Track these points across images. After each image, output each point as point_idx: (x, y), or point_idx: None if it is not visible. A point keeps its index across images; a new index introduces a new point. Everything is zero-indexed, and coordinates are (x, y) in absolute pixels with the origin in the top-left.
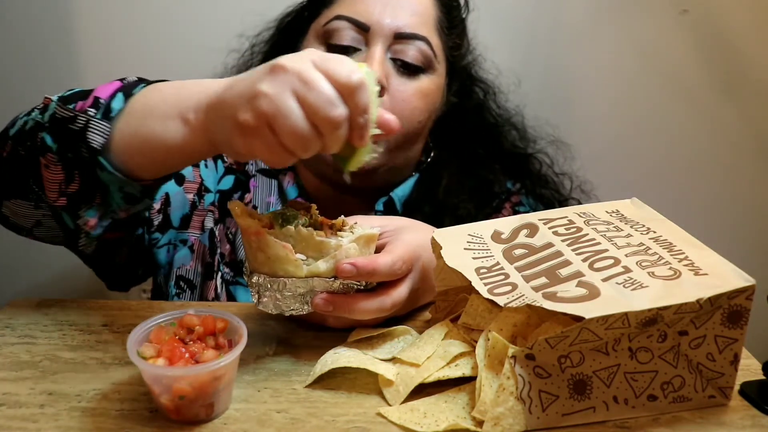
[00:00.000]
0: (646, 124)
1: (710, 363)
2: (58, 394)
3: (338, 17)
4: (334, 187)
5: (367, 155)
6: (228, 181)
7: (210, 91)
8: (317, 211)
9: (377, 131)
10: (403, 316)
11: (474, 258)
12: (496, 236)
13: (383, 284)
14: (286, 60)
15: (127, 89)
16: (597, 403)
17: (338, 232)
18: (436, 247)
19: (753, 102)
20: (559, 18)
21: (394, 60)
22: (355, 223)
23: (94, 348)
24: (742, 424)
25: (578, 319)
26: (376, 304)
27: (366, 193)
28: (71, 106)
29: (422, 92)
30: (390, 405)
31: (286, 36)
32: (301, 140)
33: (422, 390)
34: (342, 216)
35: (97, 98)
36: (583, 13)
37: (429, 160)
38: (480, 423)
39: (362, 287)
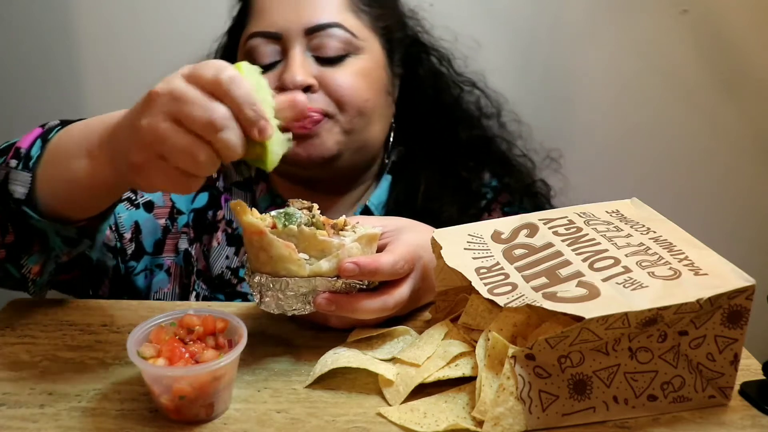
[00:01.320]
0: (646, 123)
1: (710, 363)
2: (58, 394)
3: (251, 36)
4: (307, 189)
5: (280, 147)
6: (202, 199)
7: (109, 126)
8: (319, 211)
9: (277, 121)
10: (403, 316)
11: (474, 258)
12: (496, 236)
13: (385, 284)
14: (158, 86)
15: (45, 135)
16: (597, 403)
17: (340, 232)
18: (436, 247)
19: (753, 102)
20: (559, 18)
21: (316, 57)
22: (357, 222)
23: (94, 348)
24: (742, 424)
25: (578, 319)
26: (378, 304)
27: (339, 190)
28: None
29: (355, 72)
30: (390, 405)
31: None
32: (191, 157)
33: (422, 390)
34: (344, 216)
35: (17, 149)
36: (583, 12)
37: (399, 157)
38: (480, 423)
39: (364, 287)
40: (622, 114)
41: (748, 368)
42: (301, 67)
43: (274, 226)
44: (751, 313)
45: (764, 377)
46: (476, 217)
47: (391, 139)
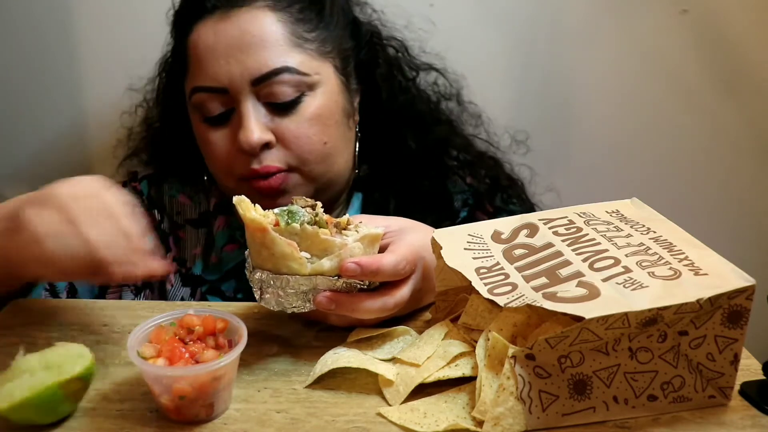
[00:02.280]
0: (646, 123)
1: (710, 363)
2: None
3: (195, 90)
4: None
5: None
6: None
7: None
8: (322, 209)
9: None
10: (403, 316)
11: (474, 258)
12: (496, 236)
13: (386, 284)
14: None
15: None
16: (597, 403)
17: (343, 231)
18: (436, 247)
19: (753, 102)
20: (558, 18)
21: (267, 104)
22: (360, 222)
23: (94, 348)
24: (742, 424)
25: (578, 319)
26: (378, 304)
27: None
28: None
29: (312, 117)
30: (390, 405)
31: (170, 102)
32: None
33: (422, 390)
34: (347, 215)
35: None
36: (582, 12)
37: (367, 174)
38: (480, 423)
39: (365, 287)
40: (622, 114)
41: (748, 368)
42: (255, 124)
43: (277, 224)
44: (751, 313)
45: (764, 377)
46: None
47: (356, 152)
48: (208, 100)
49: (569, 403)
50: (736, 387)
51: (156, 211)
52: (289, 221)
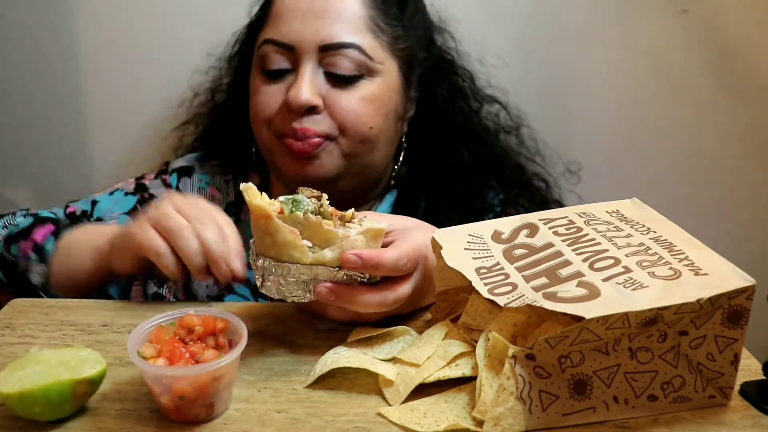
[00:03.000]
0: (645, 123)
1: (710, 363)
2: None
3: (265, 41)
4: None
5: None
6: (129, 202)
7: (108, 233)
8: (327, 201)
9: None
10: (403, 316)
11: (474, 258)
12: (497, 236)
13: (387, 279)
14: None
15: (56, 233)
16: (597, 403)
17: (347, 224)
18: (436, 247)
19: (753, 101)
20: (558, 18)
21: (327, 73)
22: (365, 216)
23: (94, 348)
24: (742, 424)
25: (578, 319)
26: (378, 298)
27: (341, 209)
28: (14, 248)
29: (366, 98)
30: (390, 405)
31: (241, 57)
32: (156, 256)
33: (422, 390)
34: (352, 209)
35: (35, 243)
36: (582, 13)
37: (405, 173)
38: (480, 423)
39: (365, 280)
40: (621, 114)
41: (748, 368)
42: (309, 85)
43: (281, 212)
44: (751, 313)
45: (764, 377)
46: None
47: (401, 159)
48: (274, 53)
49: (569, 403)
50: (736, 387)
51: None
52: (293, 209)
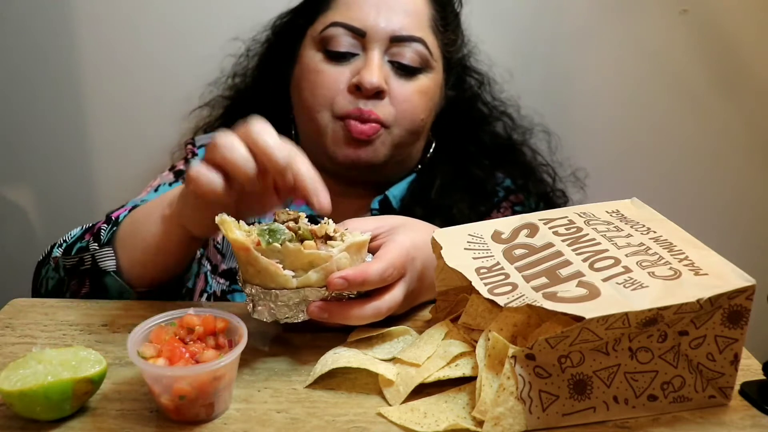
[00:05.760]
0: (645, 123)
1: (710, 363)
2: None
3: (334, 24)
4: (336, 181)
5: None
6: None
7: (171, 196)
8: (306, 221)
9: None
10: (403, 316)
11: (474, 258)
12: (497, 236)
13: (377, 289)
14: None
15: (109, 221)
16: (597, 403)
17: (328, 242)
18: (436, 247)
19: (752, 101)
20: (558, 18)
21: (392, 62)
22: (346, 229)
23: (94, 348)
24: (742, 424)
25: (578, 319)
26: (370, 311)
27: (368, 188)
28: (74, 253)
29: (422, 91)
30: (390, 405)
31: (281, 40)
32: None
33: (422, 390)
34: (330, 222)
35: (93, 233)
36: (582, 13)
37: (427, 158)
38: (480, 423)
39: (353, 295)
40: (621, 114)
41: (748, 368)
42: (379, 70)
43: (259, 243)
44: (751, 313)
45: (764, 377)
46: (486, 215)
47: (430, 152)
48: (343, 35)
49: (569, 403)
50: (737, 387)
51: None
52: (270, 240)
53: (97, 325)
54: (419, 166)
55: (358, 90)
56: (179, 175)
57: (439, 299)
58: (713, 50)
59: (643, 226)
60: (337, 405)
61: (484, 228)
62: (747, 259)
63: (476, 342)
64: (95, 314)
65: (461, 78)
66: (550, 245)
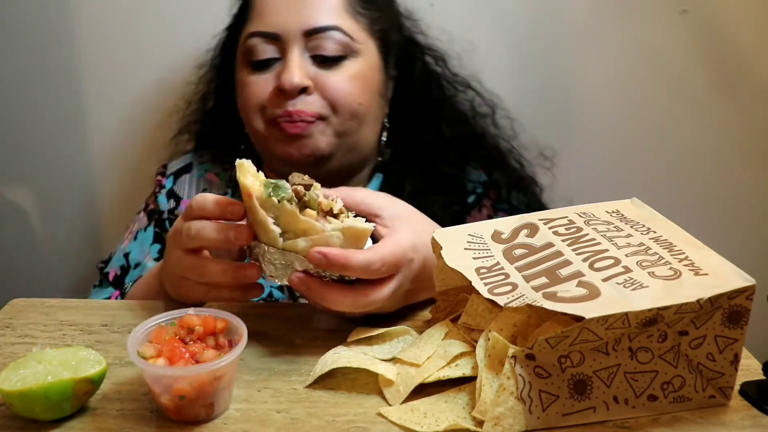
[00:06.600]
0: (645, 123)
1: (710, 363)
2: None
3: (250, 35)
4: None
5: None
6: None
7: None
8: (318, 192)
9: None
10: (403, 316)
11: (474, 258)
12: (497, 236)
13: (364, 281)
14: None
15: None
16: (597, 403)
17: (333, 218)
18: (436, 247)
19: (752, 101)
20: (558, 18)
21: (314, 57)
22: (354, 215)
23: (94, 348)
24: (742, 424)
25: (578, 319)
26: (349, 300)
27: (329, 183)
28: None
29: (352, 77)
30: (390, 405)
31: (222, 62)
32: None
33: (422, 390)
34: (339, 201)
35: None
36: (582, 13)
37: (389, 158)
38: (480, 423)
39: (335, 278)
40: (621, 114)
41: (748, 368)
42: (298, 68)
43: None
44: (751, 313)
45: (764, 377)
46: (463, 213)
47: (384, 139)
48: (260, 44)
49: (569, 403)
50: (736, 387)
51: (171, 200)
52: (271, 194)
53: (97, 325)
54: (380, 159)
55: (283, 93)
56: (151, 216)
57: (439, 299)
58: (713, 50)
59: (643, 226)
60: (337, 405)
61: (484, 228)
62: (747, 259)
63: (476, 342)
64: (95, 314)
65: (408, 56)
66: (550, 245)
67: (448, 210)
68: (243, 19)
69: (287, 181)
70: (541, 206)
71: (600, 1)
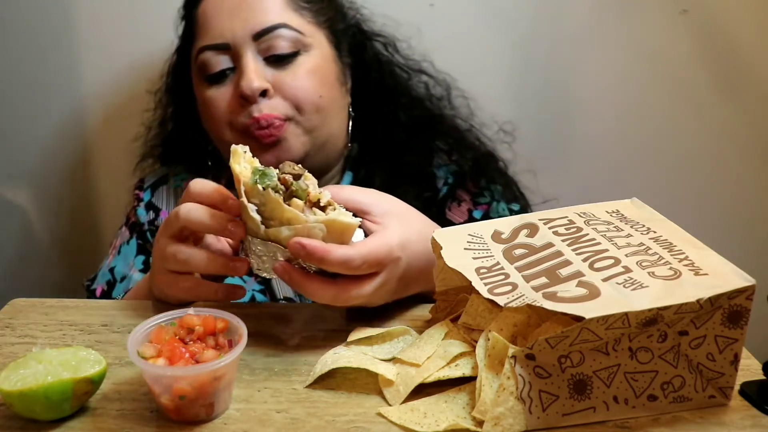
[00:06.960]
0: (645, 123)
1: (710, 363)
2: None
3: (200, 50)
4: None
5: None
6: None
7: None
8: (308, 183)
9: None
10: (403, 316)
11: (474, 258)
12: (496, 236)
13: (348, 275)
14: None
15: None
16: (597, 403)
17: (319, 210)
18: (436, 247)
19: (752, 101)
20: (558, 18)
21: (267, 59)
22: (343, 209)
23: (94, 348)
24: (742, 424)
25: (578, 319)
26: (329, 293)
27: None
28: None
29: (308, 71)
30: (390, 405)
31: (179, 82)
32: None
33: (422, 390)
34: (327, 194)
35: None
36: (582, 13)
37: (357, 154)
38: (480, 423)
39: (312, 270)
40: (621, 114)
41: (748, 368)
42: (254, 72)
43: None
44: (751, 313)
45: (764, 377)
46: (438, 203)
47: (350, 129)
48: (213, 57)
49: (569, 403)
50: (736, 387)
51: (151, 212)
52: (257, 180)
53: (97, 325)
54: (349, 147)
55: (245, 100)
56: (133, 229)
57: (439, 299)
58: (713, 50)
59: (643, 226)
60: (337, 405)
61: (484, 228)
62: (747, 259)
63: (476, 342)
64: (95, 314)
65: (358, 43)
66: (550, 245)
67: (420, 198)
68: (191, 38)
69: (278, 169)
70: (522, 196)
71: (600, 1)
